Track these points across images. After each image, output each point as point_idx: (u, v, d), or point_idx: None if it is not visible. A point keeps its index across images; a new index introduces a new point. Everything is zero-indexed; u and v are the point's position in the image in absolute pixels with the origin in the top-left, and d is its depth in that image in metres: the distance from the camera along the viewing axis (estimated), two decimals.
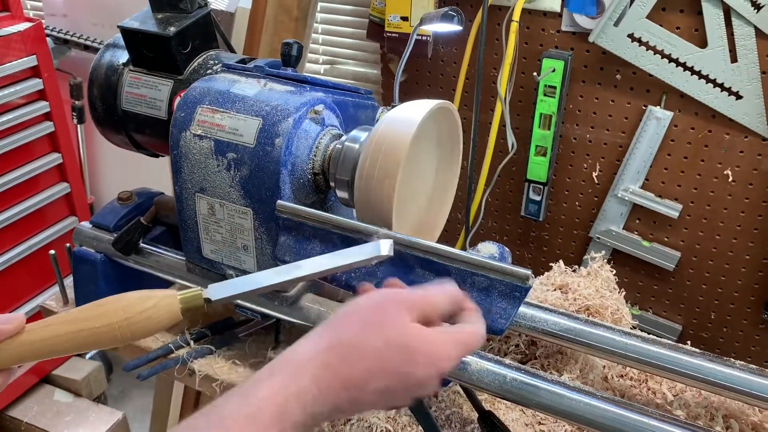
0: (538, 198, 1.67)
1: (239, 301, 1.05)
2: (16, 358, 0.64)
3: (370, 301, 0.61)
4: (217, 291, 0.67)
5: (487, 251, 1.06)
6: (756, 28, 1.34)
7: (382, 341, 0.58)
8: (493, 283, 0.74)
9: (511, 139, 1.55)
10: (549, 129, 1.58)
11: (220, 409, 0.54)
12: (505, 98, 1.54)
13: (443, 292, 0.63)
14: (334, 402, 0.56)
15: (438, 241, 0.80)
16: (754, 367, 0.92)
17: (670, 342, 0.96)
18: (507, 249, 1.07)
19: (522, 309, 1.00)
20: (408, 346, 0.58)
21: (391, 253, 0.67)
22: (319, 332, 0.59)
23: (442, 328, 0.61)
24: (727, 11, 1.36)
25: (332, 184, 0.91)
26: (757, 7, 1.32)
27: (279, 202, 0.83)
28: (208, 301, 0.66)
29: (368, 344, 0.57)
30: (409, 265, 0.77)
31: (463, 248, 1.48)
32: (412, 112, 0.85)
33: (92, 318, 0.64)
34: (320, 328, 0.60)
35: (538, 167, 1.62)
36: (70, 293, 1.20)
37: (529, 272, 0.72)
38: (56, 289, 1.21)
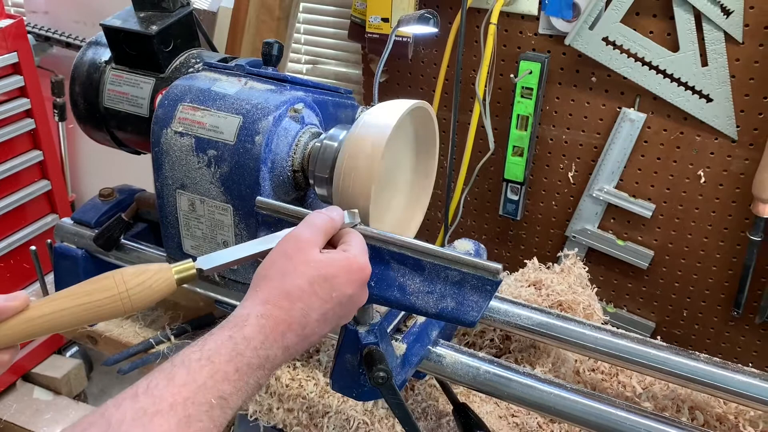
0: (515, 197, 1.70)
1: (219, 297, 1.06)
2: (23, 334, 0.66)
3: (279, 252, 0.70)
4: (207, 261, 0.72)
5: (463, 248, 1.08)
6: (725, 33, 1.38)
7: (304, 281, 0.66)
8: (466, 277, 0.76)
9: (491, 140, 1.58)
10: (526, 130, 1.61)
11: (180, 357, 0.60)
12: (484, 99, 1.56)
13: (329, 215, 0.74)
14: (282, 344, 0.64)
15: (416, 239, 0.83)
16: (718, 360, 0.95)
17: (638, 336, 0.99)
18: (483, 246, 1.10)
19: (496, 304, 1.02)
20: (326, 276, 0.67)
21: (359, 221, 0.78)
22: (252, 291, 0.68)
23: (341, 247, 0.72)
24: (698, 16, 1.39)
25: (311, 181, 0.93)
26: (727, 13, 1.36)
27: (258, 198, 0.84)
28: (200, 271, 0.71)
29: (294, 288, 0.66)
30: (385, 260, 0.79)
31: (442, 246, 1.51)
32: (390, 112, 0.87)
33: (94, 291, 0.67)
34: (252, 287, 0.68)
35: (515, 167, 1.65)
36: (51, 290, 1.20)
37: (499, 266, 0.74)
38: (37, 286, 1.22)
